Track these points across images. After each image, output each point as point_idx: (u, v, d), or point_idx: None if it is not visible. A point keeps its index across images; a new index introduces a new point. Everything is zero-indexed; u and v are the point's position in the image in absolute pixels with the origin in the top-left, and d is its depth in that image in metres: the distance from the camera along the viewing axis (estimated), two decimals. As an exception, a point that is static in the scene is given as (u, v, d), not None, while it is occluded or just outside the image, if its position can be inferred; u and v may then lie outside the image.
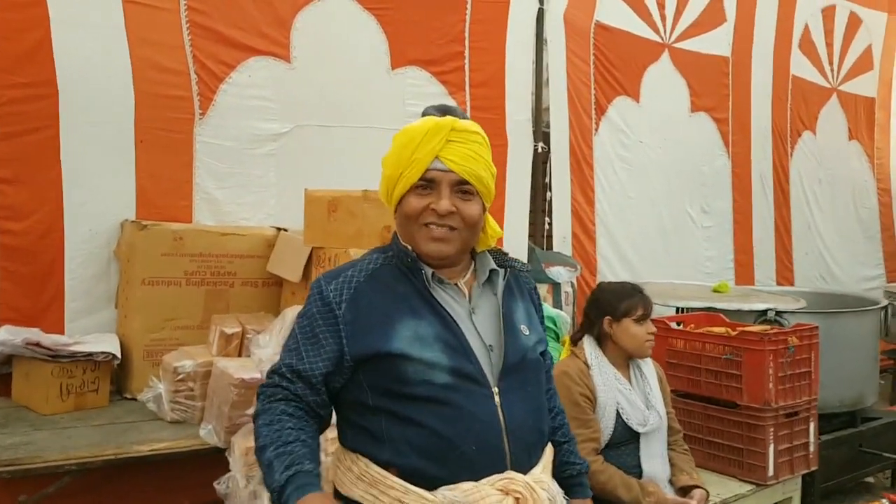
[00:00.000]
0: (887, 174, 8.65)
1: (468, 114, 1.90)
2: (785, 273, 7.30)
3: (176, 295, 3.56)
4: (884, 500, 4.36)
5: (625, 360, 3.02)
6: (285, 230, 3.81)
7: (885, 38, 8.40)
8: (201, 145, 3.99)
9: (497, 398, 1.70)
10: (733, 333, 3.58)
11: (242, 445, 2.81)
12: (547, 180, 5.41)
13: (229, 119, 4.07)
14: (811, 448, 3.74)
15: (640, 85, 5.93)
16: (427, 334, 1.69)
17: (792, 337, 3.57)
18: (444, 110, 1.82)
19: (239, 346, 3.38)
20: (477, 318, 1.77)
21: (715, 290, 5.54)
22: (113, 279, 3.76)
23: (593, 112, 5.62)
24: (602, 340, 3.01)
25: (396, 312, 1.72)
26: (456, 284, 1.81)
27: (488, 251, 1.91)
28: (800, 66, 7.36)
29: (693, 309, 4.37)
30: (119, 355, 3.42)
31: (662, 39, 6.04)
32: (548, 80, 5.39)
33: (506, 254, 1.95)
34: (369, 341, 1.69)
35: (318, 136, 4.34)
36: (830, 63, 7.70)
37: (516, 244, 5.07)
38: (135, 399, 3.43)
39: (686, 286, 5.56)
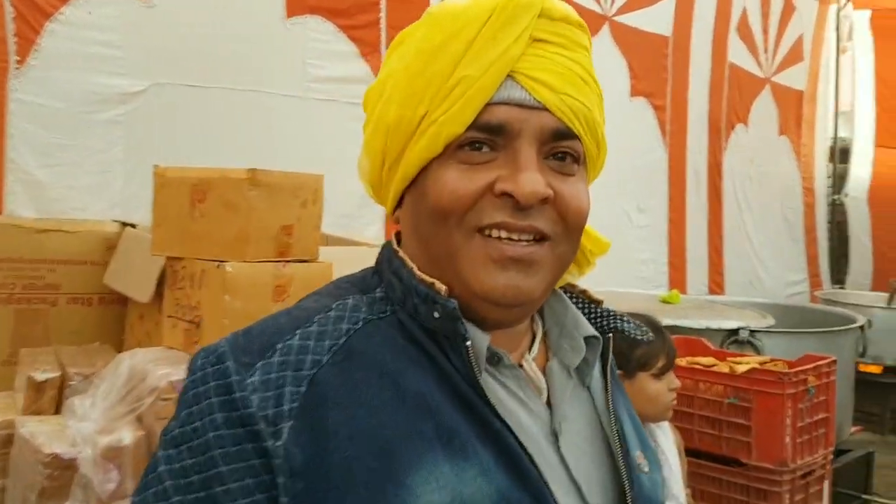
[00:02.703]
0: (812, 173, 8.28)
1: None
2: (716, 278, 6.73)
3: (-33, 318, 2.57)
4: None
5: (635, 426, 2.12)
6: (133, 226, 2.76)
7: (815, 29, 8.07)
8: (18, 105, 3.04)
9: None
10: (739, 369, 2.74)
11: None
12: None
13: (59, 71, 3.12)
14: (823, 512, 2.97)
15: (579, 62, 5.12)
16: (480, 497, 0.70)
17: (810, 375, 2.77)
18: None
19: (57, 398, 2.33)
20: (567, 447, 0.79)
21: (664, 301, 4.83)
22: None
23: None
24: None
25: (408, 442, 0.71)
26: (521, 366, 0.82)
27: (569, 293, 0.92)
28: (736, 53, 6.80)
29: (658, 329, 3.55)
30: None
31: (603, 10, 5.25)
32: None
33: (597, 301, 0.92)
34: None
35: (184, 100, 3.39)
36: (765, 51, 7.20)
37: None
38: None
39: (629, 295, 4.81)
